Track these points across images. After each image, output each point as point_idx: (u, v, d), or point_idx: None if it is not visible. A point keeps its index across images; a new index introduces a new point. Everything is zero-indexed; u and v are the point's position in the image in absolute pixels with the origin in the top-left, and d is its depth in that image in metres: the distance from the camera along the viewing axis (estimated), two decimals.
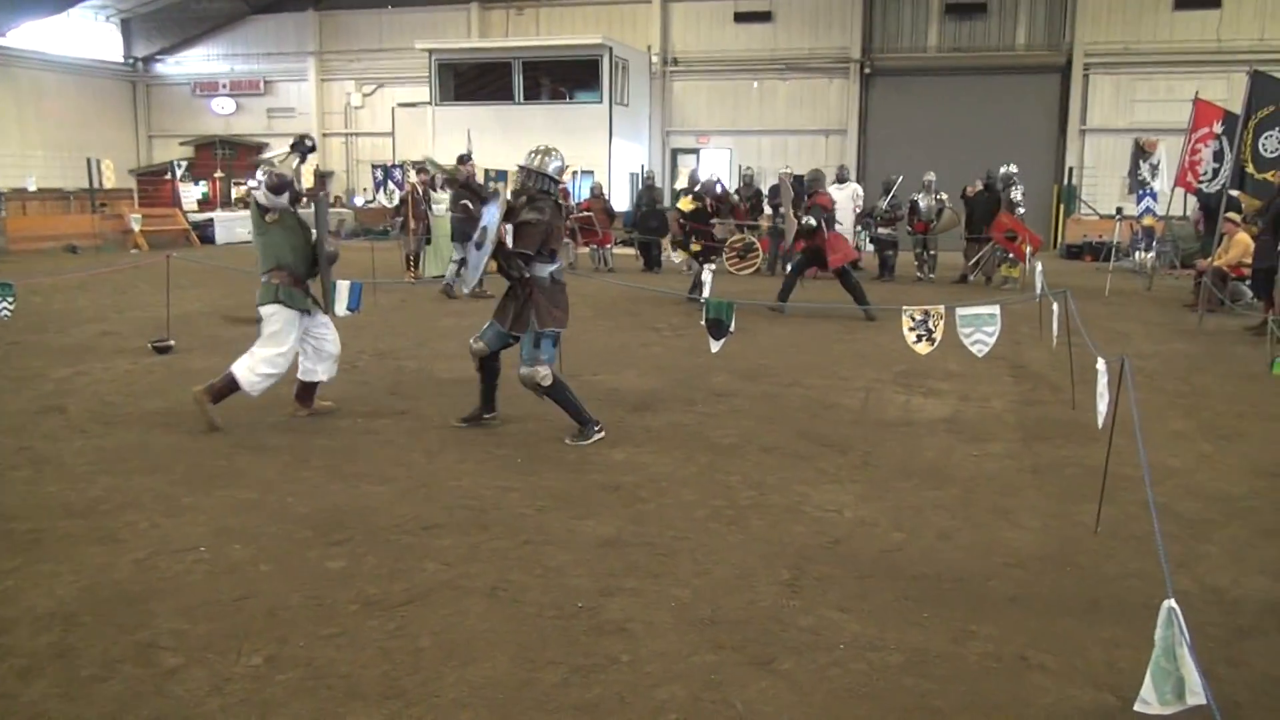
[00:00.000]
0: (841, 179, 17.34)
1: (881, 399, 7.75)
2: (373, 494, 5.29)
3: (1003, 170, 15.78)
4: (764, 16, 26.75)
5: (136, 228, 23.23)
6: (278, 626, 3.73)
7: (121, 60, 33.12)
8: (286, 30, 31.83)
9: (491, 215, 6.22)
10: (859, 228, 16.99)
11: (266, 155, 27.87)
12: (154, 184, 28.44)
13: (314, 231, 6.81)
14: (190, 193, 27.43)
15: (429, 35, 27.66)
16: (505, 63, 25.58)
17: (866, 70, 26.12)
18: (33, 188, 25.38)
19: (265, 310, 6.60)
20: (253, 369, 6.57)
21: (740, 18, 26.96)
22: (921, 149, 22.89)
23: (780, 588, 4.12)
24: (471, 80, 26.72)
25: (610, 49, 24.70)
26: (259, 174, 6.61)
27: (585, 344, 9.89)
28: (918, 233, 16.61)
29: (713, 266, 11.54)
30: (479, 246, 6.29)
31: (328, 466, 5.78)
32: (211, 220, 25.30)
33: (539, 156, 6.35)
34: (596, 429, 6.37)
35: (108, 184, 25.65)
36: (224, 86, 32.80)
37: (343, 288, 7.64)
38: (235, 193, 28.71)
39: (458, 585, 4.12)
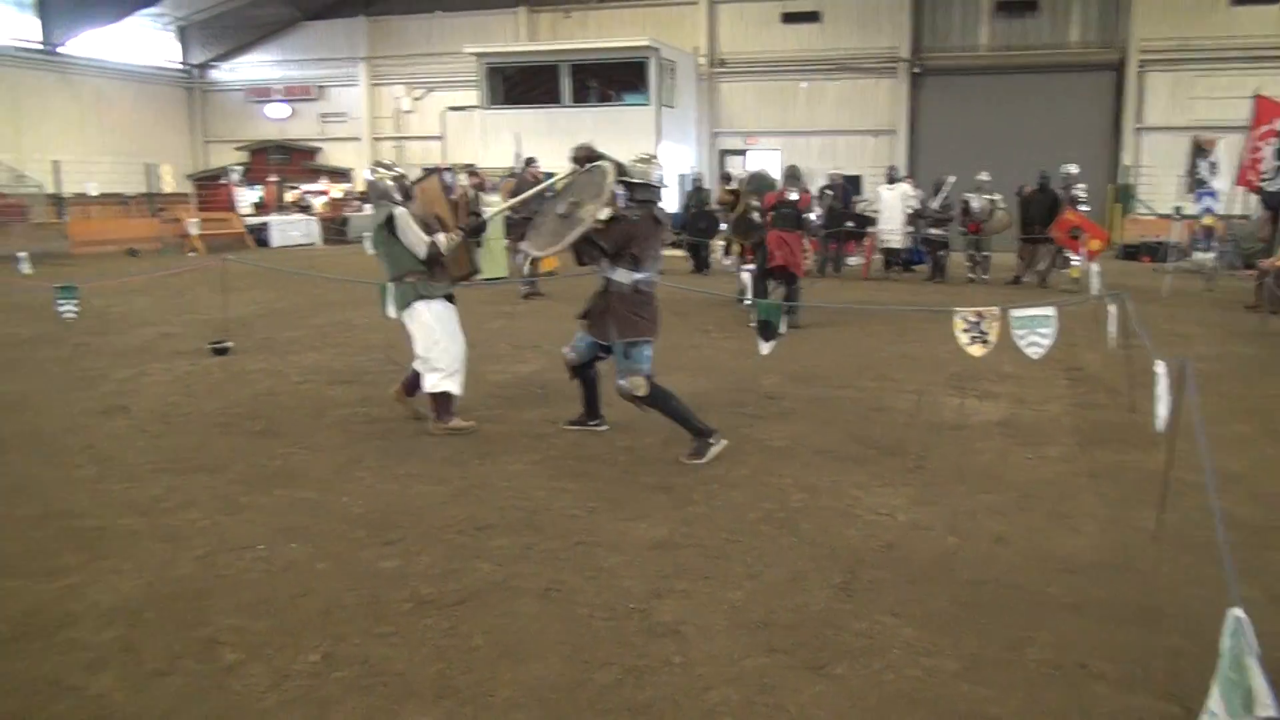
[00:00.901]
0: (891, 179, 17.21)
1: (934, 402, 7.68)
2: (426, 494, 5.34)
3: (1064, 170, 15.53)
4: (812, 17, 26.62)
5: (194, 231, 23.67)
6: (334, 624, 3.78)
7: (179, 67, 33.76)
8: (338, 36, 32.26)
9: (592, 191, 5.98)
10: (909, 228, 16.83)
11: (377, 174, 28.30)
12: (210, 188, 28.97)
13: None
14: (245, 197, 27.93)
15: (478, 39, 27.86)
16: (553, 66, 25.69)
17: (916, 70, 25.89)
18: (95, 192, 25.93)
19: (410, 313, 6.54)
20: (431, 377, 6.55)
21: (788, 18, 26.85)
22: (973, 149, 22.61)
23: (833, 591, 4.10)
24: (520, 83, 26.88)
25: (657, 51, 24.71)
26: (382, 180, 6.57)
27: None
28: (970, 233, 16.42)
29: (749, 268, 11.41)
30: (564, 217, 5.99)
31: (381, 467, 5.84)
32: (266, 224, 25.71)
33: (643, 165, 6.19)
34: (712, 441, 6.03)
35: (166, 189, 26.18)
36: (277, 92, 33.32)
37: (392, 290, 7.72)
38: (289, 196, 29.15)
39: (510, 585, 4.14)
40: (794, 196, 11.27)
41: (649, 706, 3.21)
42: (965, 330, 6.42)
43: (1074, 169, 15.54)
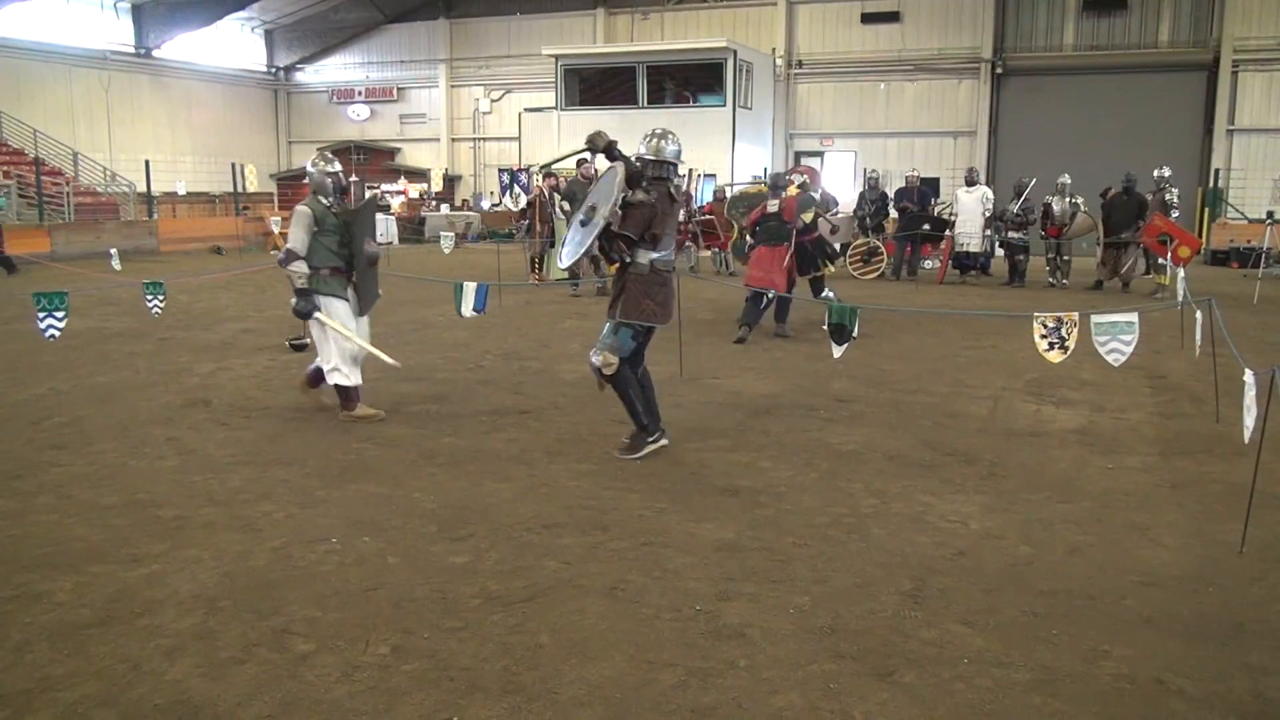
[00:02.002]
0: (970, 182, 16.93)
1: (1010, 408, 7.53)
2: (495, 491, 5.39)
3: (1155, 173, 15.09)
4: (892, 17, 26.31)
5: (276, 230, 24.24)
6: (404, 618, 3.83)
7: (265, 69, 34.61)
8: (419, 38, 32.77)
9: (605, 193, 5.95)
10: (988, 231, 16.54)
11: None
12: (293, 188, 29.67)
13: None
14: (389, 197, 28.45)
15: (555, 41, 28.09)
16: (630, 67, 25.78)
17: (998, 70, 25.43)
18: (183, 191, 26.74)
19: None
20: (329, 363, 6.87)
21: (867, 18, 26.58)
22: (1056, 151, 22.12)
23: (902, 598, 4.04)
24: (596, 85, 27.03)
25: (734, 52, 24.64)
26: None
27: (706, 346, 9.89)
28: (1051, 237, 16.08)
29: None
30: (584, 224, 5.99)
31: (452, 463, 5.92)
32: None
33: (655, 140, 6.04)
34: (650, 439, 6.04)
35: (250, 188, 26.85)
36: (359, 94, 33.98)
37: (469, 289, 7.83)
38: (369, 196, 29.65)
39: (577, 584, 4.16)
40: (773, 208, 10.63)
41: (713, 709, 3.20)
42: (1044, 336, 6.29)
43: (1166, 172, 15.08)
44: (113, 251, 15.75)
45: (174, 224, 24.20)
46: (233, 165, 26.52)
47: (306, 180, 6.96)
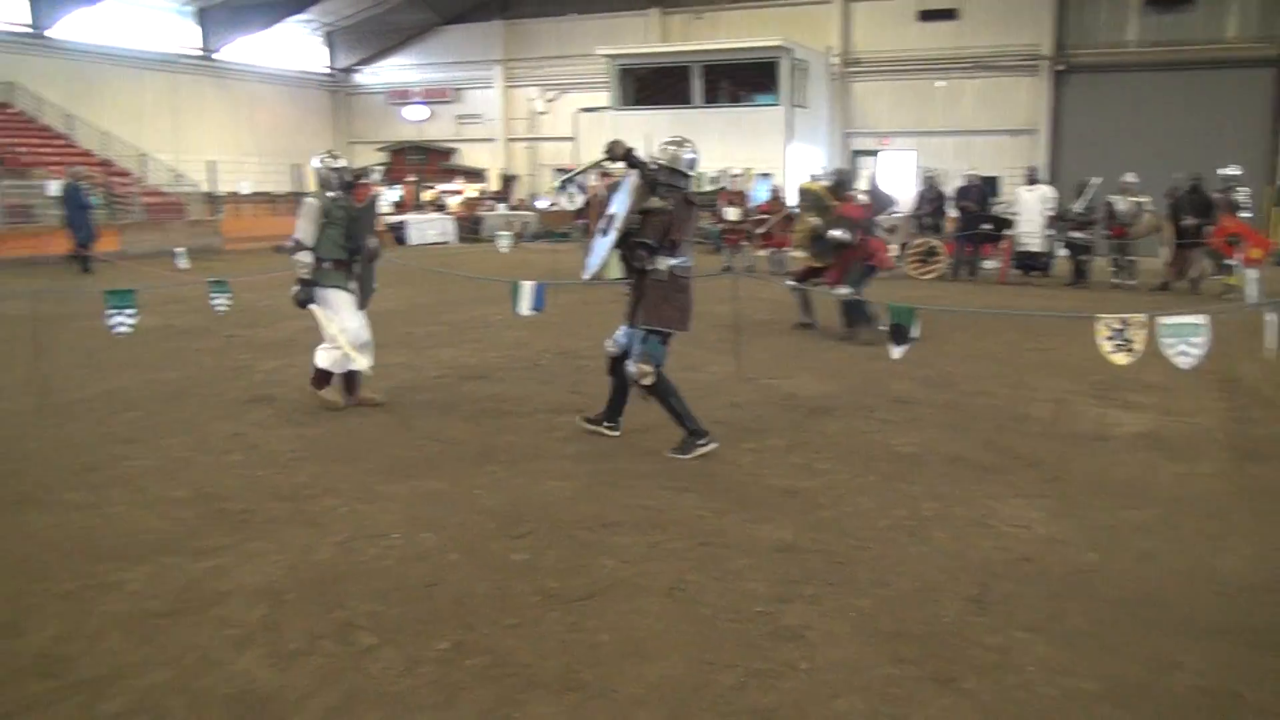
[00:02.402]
0: (1031, 181, 16.66)
1: (1074, 411, 7.40)
2: (554, 490, 5.42)
3: (1222, 172, 14.73)
4: (949, 14, 26.01)
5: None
6: (464, 614, 3.87)
7: (325, 71, 35.14)
8: (475, 39, 33.06)
9: (621, 202, 6.04)
10: (1049, 231, 16.26)
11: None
12: (353, 187, 29.94)
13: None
14: (385, 196, 28.79)
15: (610, 41, 28.15)
16: (684, 67, 25.77)
17: (1059, 67, 25.02)
18: (246, 191, 27.22)
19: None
20: (324, 355, 7.11)
21: (925, 16, 26.31)
22: (1119, 149, 21.70)
23: (965, 603, 3.99)
24: (651, 84, 27.05)
25: (789, 51, 24.53)
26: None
27: (762, 347, 9.85)
28: (1115, 237, 15.79)
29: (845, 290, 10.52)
30: (604, 233, 6.14)
31: (511, 462, 5.95)
32: (404, 222, 26.49)
33: (672, 148, 6.10)
34: (701, 441, 6.05)
35: (310, 187, 27.22)
36: (416, 95, 34.34)
37: (526, 289, 7.87)
38: (426, 196, 29.97)
39: (636, 583, 4.17)
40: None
41: (773, 711, 3.19)
42: (1109, 338, 6.17)
43: (1235, 171, 14.71)
44: (179, 250, 16.06)
45: (237, 223, 24.64)
46: (293, 165, 26.94)
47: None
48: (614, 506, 5.14)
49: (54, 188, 21.28)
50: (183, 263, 15.55)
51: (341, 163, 7.26)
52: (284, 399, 7.55)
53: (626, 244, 5.99)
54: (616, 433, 6.50)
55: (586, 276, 6.56)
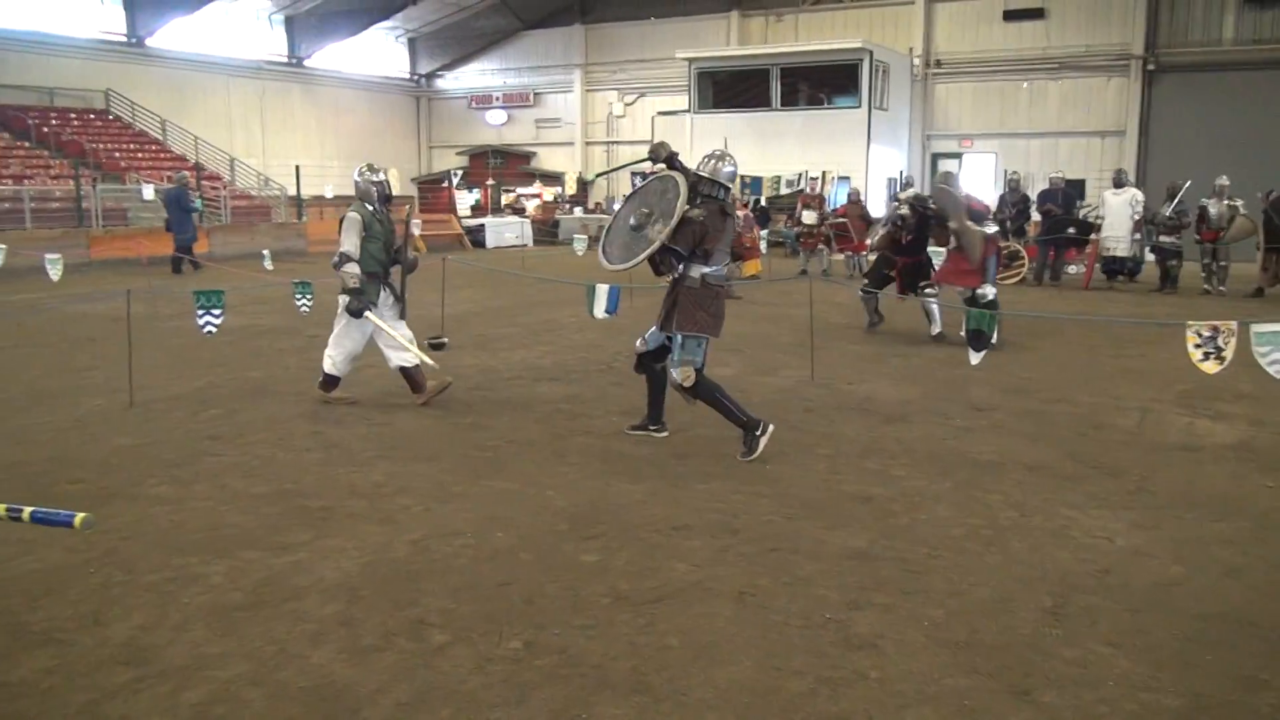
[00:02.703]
0: (1118, 184, 16.23)
1: (1160, 420, 7.19)
2: (625, 492, 5.43)
3: None
4: (1036, 14, 25.45)
5: (416, 232, 24.94)
6: (535, 613, 3.89)
7: (407, 76, 35.76)
8: (555, 44, 33.35)
9: (660, 204, 6.16)
10: (1137, 235, 15.83)
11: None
12: (432, 191, 30.51)
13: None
14: (464, 199, 29.25)
15: (689, 44, 28.15)
16: (764, 70, 25.66)
17: (1150, 67, 24.32)
18: (330, 195, 27.82)
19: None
20: (329, 358, 7.39)
21: (1010, 15, 25.79)
22: (1212, 151, 21.00)
23: (1042, 615, 3.90)
24: (729, 88, 26.99)
25: (870, 53, 24.27)
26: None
27: (837, 351, 9.76)
28: (1206, 241, 15.31)
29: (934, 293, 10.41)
30: (636, 228, 6.21)
31: (584, 463, 5.99)
32: (483, 225, 26.84)
33: (712, 161, 6.24)
34: (759, 432, 6.05)
35: (393, 191, 27.71)
36: (496, 99, 34.79)
37: (602, 291, 7.91)
38: (504, 199, 30.31)
39: (706, 587, 4.16)
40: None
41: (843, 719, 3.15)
42: (1198, 345, 5.98)
43: None
44: (265, 252, 16.50)
45: (321, 226, 25.15)
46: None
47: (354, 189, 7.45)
48: (685, 509, 5.14)
49: (148, 192, 22.05)
50: (269, 264, 15.97)
51: (381, 176, 7.38)
52: (362, 398, 7.69)
53: (659, 249, 6.09)
54: (664, 433, 6.57)
55: (610, 268, 6.53)
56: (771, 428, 6.13)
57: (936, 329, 10.50)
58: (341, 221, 7.17)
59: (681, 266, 6.11)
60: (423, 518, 5.02)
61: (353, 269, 7.08)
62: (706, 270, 6.13)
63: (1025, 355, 9.70)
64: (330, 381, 7.46)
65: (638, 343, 6.50)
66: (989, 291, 9.93)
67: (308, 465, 5.95)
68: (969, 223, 9.85)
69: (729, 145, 18.70)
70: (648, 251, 6.09)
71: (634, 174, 24.86)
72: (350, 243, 7.10)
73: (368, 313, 7.19)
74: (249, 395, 7.85)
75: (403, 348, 7.32)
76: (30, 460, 6.01)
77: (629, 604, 3.99)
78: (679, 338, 6.12)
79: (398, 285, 7.48)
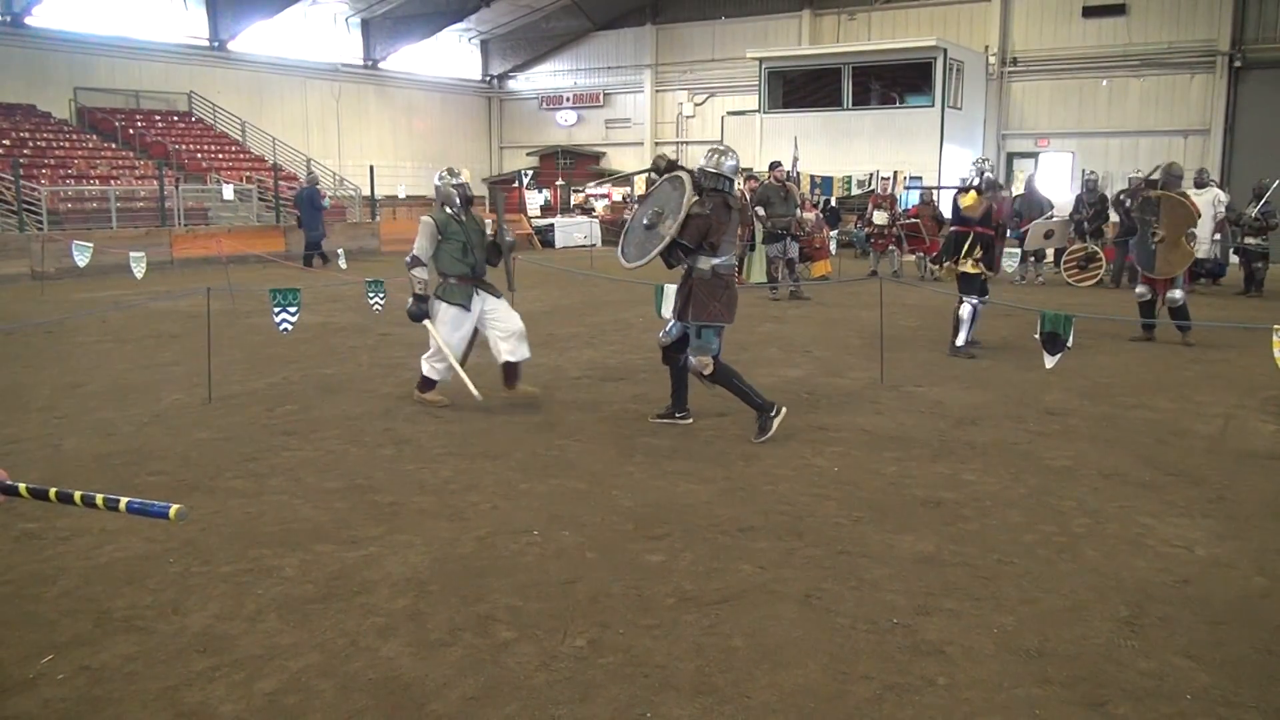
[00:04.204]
0: (1200, 184, 15.76)
1: (1244, 427, 6.98)
2: (691, 492, 5.43)
3: None
4: (1117, 10, 24.84)
5: (488, 232, 25.17)
6: (600, 612, 3.91)
7: (479, 78, 36.15)
8: (626, 44, 33.43)
9: (669, 203, 6.43)
10: (1217, 235, 15.36)
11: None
12: (503, 191, 30.66)
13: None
14: (534, 200, 29.46)
15: (760, 44, 28.04)
16: (835, 69, 25.44)
17: (1237, 63, 23.58)
18: (403, 195, 28.25)
19: (433, 308, 7.36)
20: (428, 364, 7.40)
21: (1089, 12, 25.20)
22: None
23: (1117, 625, 3.81)
24: (800, 87, 26.81)
25: (944, 51, 23.92)
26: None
27: (907, 354, 9.63)
28: None
29: (983, 300, 9.80)
30: (649, 227, 6.51)
31: (650, 463, 6.00)
32: (552, 225, 27.00)
33: (716, 156, 6.53)
34: (773, 414, 6.42)
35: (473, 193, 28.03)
36: (567, 100, 34.99)
37: (670, 291, 7.89)
38: (574, 199, 30.48)
39: (771, 589, 4.14)
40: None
41: None
42: None
43: None
44: (339, 251, 16.80)
45: (393, 226, 25.54)
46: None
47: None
48: (751, 510, 5.12)
49: (228, 192, 22.62)
50: (343, 263, 16.26)
51: (462, 179, 7.42)
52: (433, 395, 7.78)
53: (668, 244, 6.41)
54: (688, 420, 6.93)
55: (628, 265, 6.81)
56: (785, 410, 6.52)
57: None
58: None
59: (691, 259, 6.42)
60: (490, 515, 5.07)
61: (420, 273, 7.16)
62: (716, 262, 6.45)
63: (1102, 359, 9.48)
64: (429, 383, 7.49)
65: (660, 335, 6.88)
66: (1175, 295, 10.28)
67: (379, 461, 6.05)
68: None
69: (799, 145, 18.57)
70: (659, 248, 6.41)
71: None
72: (420, 246, 7.18)
73: (425, 322, 7.27)
74: (322, 391, 8.00)
75: (439, 356, 7.35)
76: (114, 452, 6.20)
77: (694, 604, 3.98)
78: (695, 328, 6.46)
79: (498, 278, 7.55)
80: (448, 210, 7.30)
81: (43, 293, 14.95)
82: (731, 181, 6.54)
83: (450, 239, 7.23)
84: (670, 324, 6.78)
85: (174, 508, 2.37)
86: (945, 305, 12.22)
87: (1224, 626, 3.80)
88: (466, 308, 7.26)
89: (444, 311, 7.28)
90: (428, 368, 7.42)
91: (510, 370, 7.42)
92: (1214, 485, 5.60)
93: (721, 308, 6.51)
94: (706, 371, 6.52)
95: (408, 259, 7.27)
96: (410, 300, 7.25)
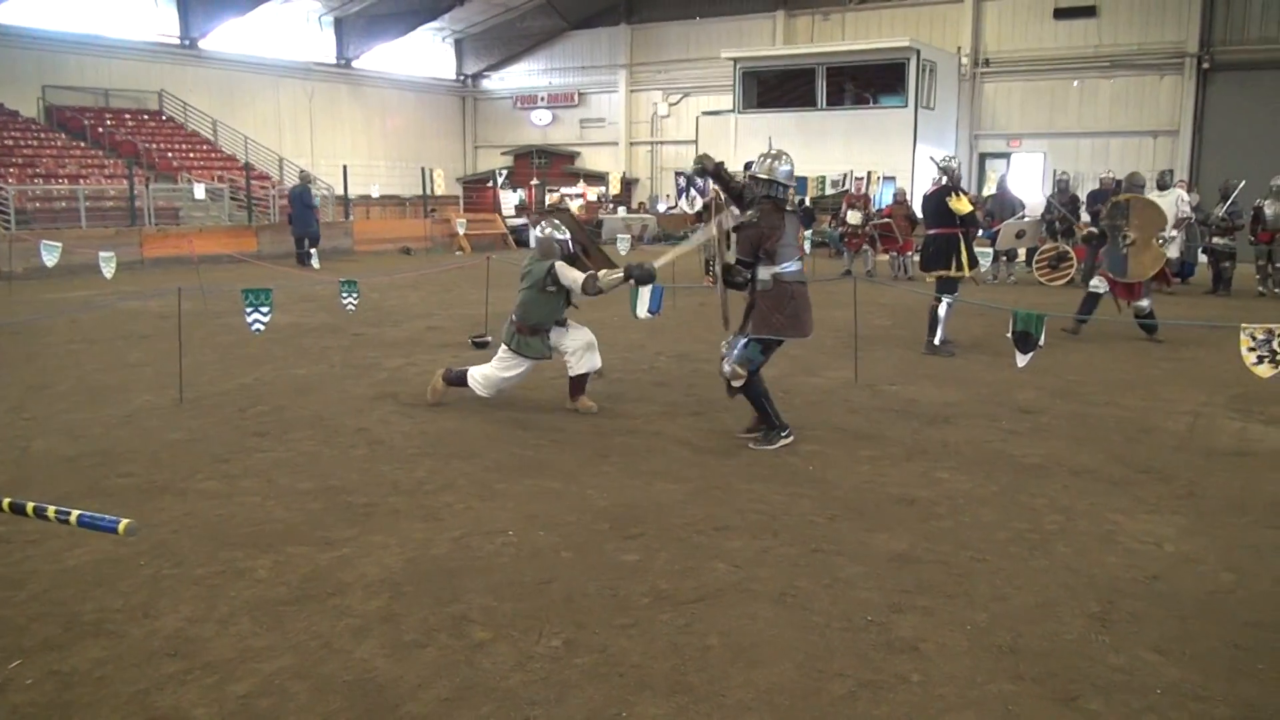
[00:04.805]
0: (1162, 185, 15.92)
1: (1212, 425, 7.06)
2: (667, 492, 5.43)
3: None
4: (1088, 11, 25.05)
5: (461, 231, 25.15)
6: (575, 612, 3.91)
7: (453, 77, 36.03)
8: (600, 44, 33.41)
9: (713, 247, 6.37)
10: (1174, 233, 15.49)
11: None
12: (477, 191, 30.70)
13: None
14: (509, 199, 29.41)
15: (734, 44, 28.08)
16: (809, 69, 25.53)
17: (1205, 65, 23.85)
18: (376, 195, 28.12)
19: (503, 349, 7.23)
20: (475, 378, 7.24)
21: (1060, 13, 25.40)
22: (1269, 151, 20.52)
23: (1088, 621, 3.84)
24: (774, 87, 26.88)
25: (917, 51, 24.06)
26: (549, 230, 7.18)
27: (881, 353, 9.69)
28: (1261, 243, 15.00)
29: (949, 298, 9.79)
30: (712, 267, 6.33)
31: (625, 463, 6.00)
32: (526, 225, 26.92)
33: (769, 161, 6.25)
34: (784, 434, 6.26)
35: (438, 191, 28.03)
36: (542, 99, 34.92)
37: (644, 291, 7.92)
38: (549, 199, 30.45)
39: (746, 588, 4.15)
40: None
41: None
42: (1252, 348, 5.87)
43: None
44: (313, 251, 16.70)
45: (367, 226, 25.44)
46: (422, 170, 27.71)
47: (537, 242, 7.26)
48: (726, 510, 5.13)
49: (199, 191, 22.44)
50: (315, 263, 16.16)
51: (564, 235, 7.16)
52: (407, 396, 7.76)
53: (724, 267, 6.18)
54: (791, 438, 6.34)
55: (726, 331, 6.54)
56: (793, 438, 6.30)
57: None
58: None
59: (753, 271, 6.13)
60: (465, 515, 5.05)
61: (606, 280, 6.84)
62: (776, 269, 6.10)
63: (1073, 358, 9.57)
64: (458, 379, 7.35)
65: (723, 366, 6.33)
66: (1142, 305, 10.42)
67: (352, 462, 6.02)
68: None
69: (773, 145, 18.62)
70: (720, 280, 6.22)
71: (678, 176, 24.89)
72: (571, 277, 6.94)
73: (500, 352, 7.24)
74: (295, 392, 7.95)
75: (487, 383, 7.27)
76: (83, 454, 6.14)
77: (669, 604, 3.99)
78: (743, 338, 6.19)
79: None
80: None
81: (10, 293, 14.77)
82: (786, 187, 6.21)
83: (548, 291, 7.01)
84: (731, 341, 6.32)
85: (123, 522, 2.36)
86: (919, 304, 12.30)
87: (1193, 621, 3.85)
88: (533, 357, 7.14)
89: (511, 358, 7.17)
90: (474, 383, 7.25)
91: (578, 383, 7.30)
92: (1183, 482, 5.66)
93: (784, 320, 6.14)
94: (736, 384, 6.22)
95: (585, 287, 6.87)
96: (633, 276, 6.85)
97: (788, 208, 6.26)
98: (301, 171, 21.47)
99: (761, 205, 6.13)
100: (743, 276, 6.15)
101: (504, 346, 7.20)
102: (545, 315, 7.09)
